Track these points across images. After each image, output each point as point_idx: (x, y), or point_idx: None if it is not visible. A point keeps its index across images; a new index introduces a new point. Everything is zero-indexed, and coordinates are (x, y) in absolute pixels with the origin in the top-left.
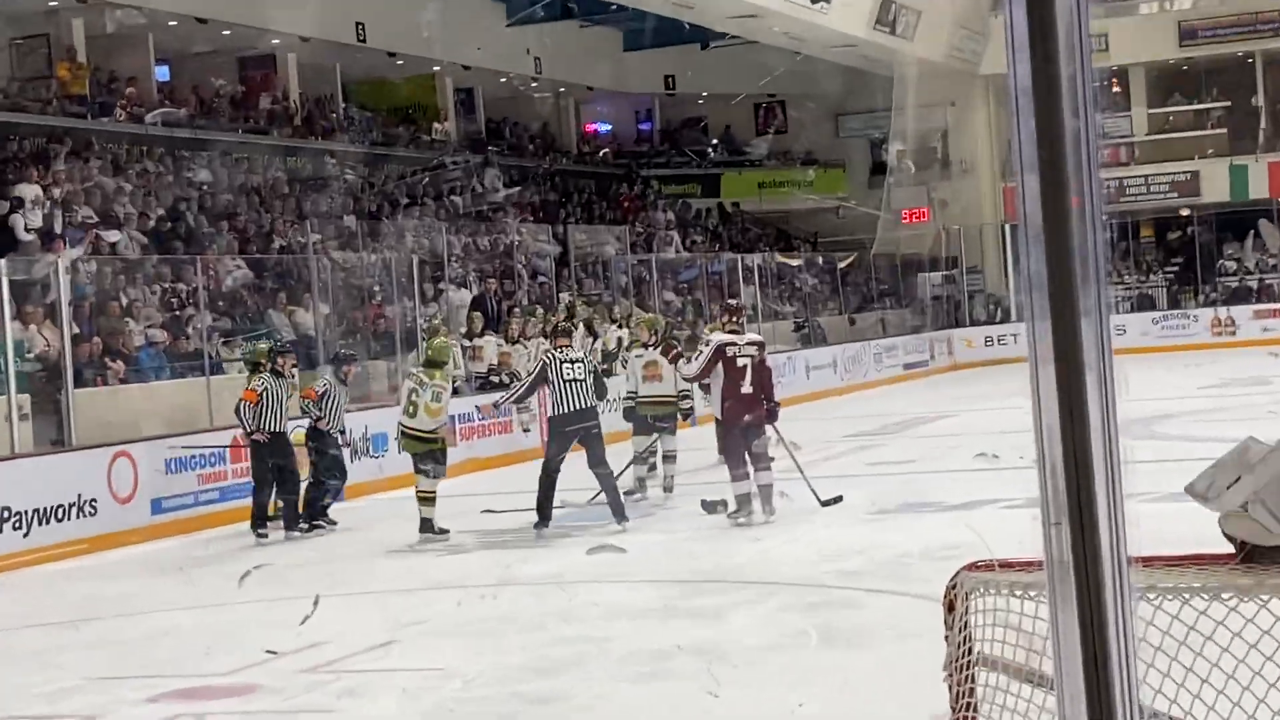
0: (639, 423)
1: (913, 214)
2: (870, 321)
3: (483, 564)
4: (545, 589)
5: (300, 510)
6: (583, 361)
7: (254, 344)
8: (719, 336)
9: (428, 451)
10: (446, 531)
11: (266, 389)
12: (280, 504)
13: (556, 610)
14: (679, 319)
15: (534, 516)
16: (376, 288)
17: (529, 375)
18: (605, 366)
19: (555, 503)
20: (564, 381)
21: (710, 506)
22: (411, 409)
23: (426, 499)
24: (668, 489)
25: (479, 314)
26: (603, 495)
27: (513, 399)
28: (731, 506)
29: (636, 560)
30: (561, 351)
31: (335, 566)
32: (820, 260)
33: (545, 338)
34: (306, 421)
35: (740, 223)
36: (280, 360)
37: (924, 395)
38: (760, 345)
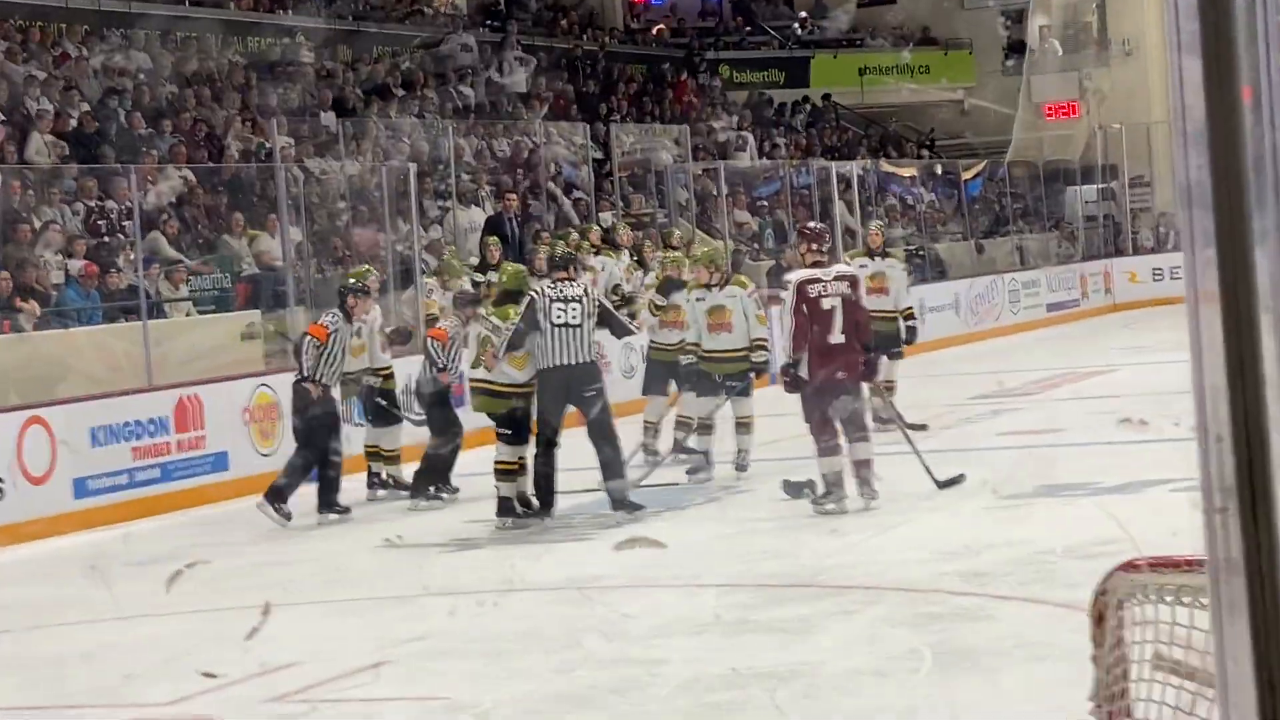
0: (703, 383)
1: (1060, 109)
2: (1004, 249)
3: (503, 563)
4: (573, 596)
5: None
6: (581, 301)
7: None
8: (797, 274)
9: (511, 412)
10: (535, 511)
11: (338, 330)
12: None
13: (591, 623)
14: (754, 245)
15: (563, 500)
16: (362, 206)
17: (517, 316)
18: (627, 306)
19: (590, 485)
20: (554, 326)
21: (795, 489)
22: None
23: (507, 472)
24: (741, 467)
25: (495, 239)
26: (650, 474)
27: (504, 350)
28: (820, 489)
29: (696, 559)
30: (556, 287)
31: (306, 567)
32: (939, 169)
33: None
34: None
35: (835, 120)
36: (352, 301)
37: (1073, 345)
38: (852, 280)
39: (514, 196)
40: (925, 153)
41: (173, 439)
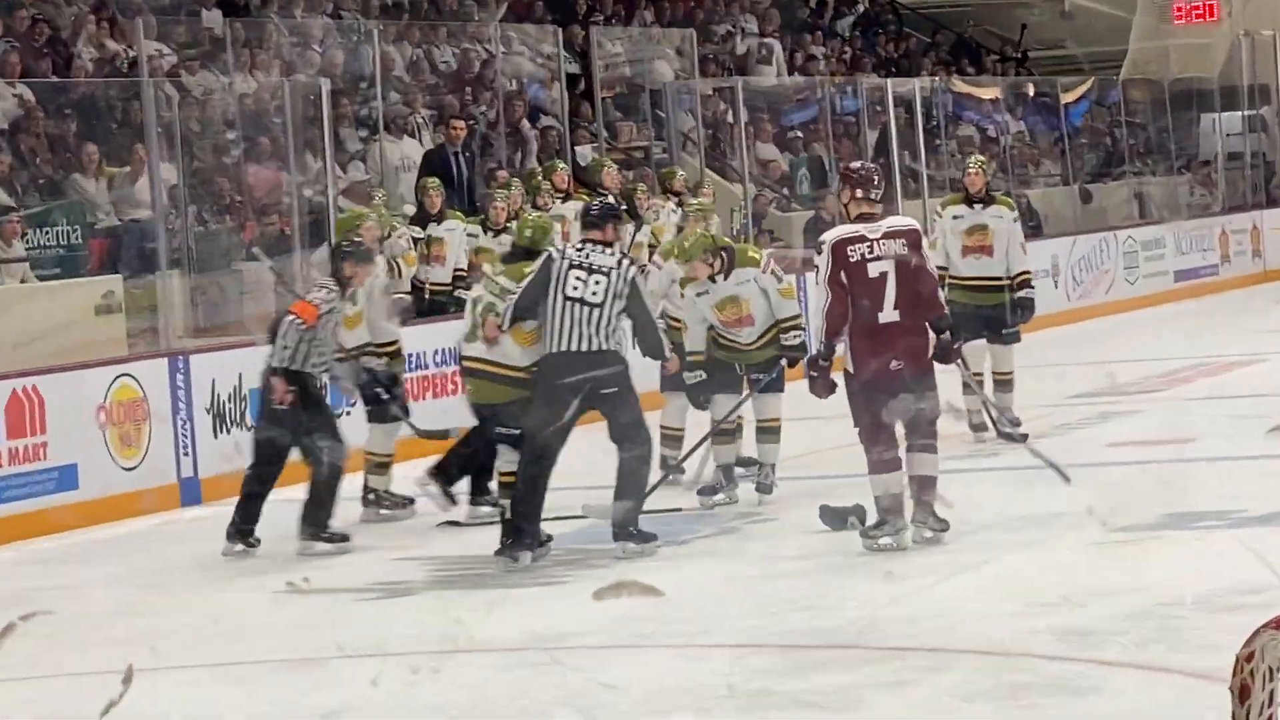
0: (723, 376)
1: (1193, 9)
2: (1118, 198)
3: (444, 615)
4: (538, 659)
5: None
6: (609, 275)
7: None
8: (834, 231)
9: (517, 402)
10: (549, 539)
11: (333, 309)
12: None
13: (561, 695)
14: (783, 191)
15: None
16: (260, 137)
17: (527, 279)
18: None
19: (574, 513)
20: (566, 299)
21: (837, 517)
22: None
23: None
24: (764, 488)
25: (436, 181)
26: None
27: (508, 321)
28: (871, 518)
29: (703, 611)
30: (583, 249)
31: (182, 618)
32: (1031, 90)
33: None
34: None
35: (894, 24)
36: (350, 269)
37: (1210, 326)
38: (912, 236)
39: (461, 125)
40: (1012, 68)
41: (3, 447)
